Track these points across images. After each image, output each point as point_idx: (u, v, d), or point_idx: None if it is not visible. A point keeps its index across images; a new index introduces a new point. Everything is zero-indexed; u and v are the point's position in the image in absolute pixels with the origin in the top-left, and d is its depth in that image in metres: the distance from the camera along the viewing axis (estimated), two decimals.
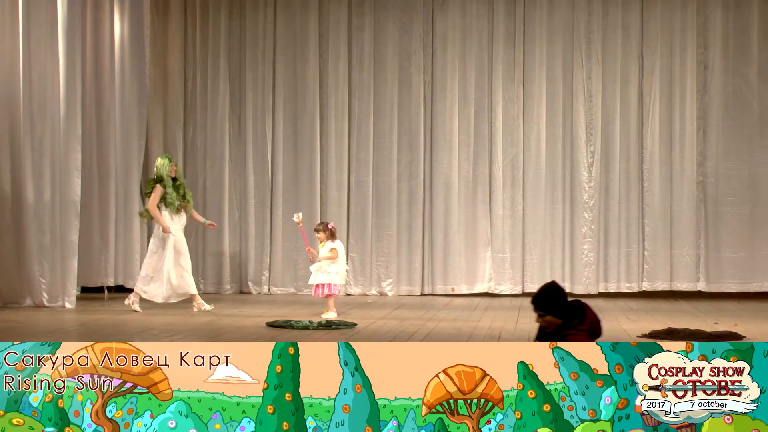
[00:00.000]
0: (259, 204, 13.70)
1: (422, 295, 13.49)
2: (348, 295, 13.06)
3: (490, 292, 13.32)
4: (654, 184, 13.37)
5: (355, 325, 9.75)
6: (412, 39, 13.47)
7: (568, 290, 13.48)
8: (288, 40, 13.53)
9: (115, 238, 12.47)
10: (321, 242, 10.57)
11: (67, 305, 11.22)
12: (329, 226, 10.64)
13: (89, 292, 12.55)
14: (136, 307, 10.84)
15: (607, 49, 13.31)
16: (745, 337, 8.85)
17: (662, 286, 13.35)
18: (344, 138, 13.60)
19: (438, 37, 13.46)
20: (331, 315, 10.30)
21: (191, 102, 13.68)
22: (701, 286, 13.34)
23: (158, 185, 10.89)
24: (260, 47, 13.56)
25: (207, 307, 10.92)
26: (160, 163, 11.01)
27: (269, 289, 13.61)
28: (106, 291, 12.58)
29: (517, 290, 13.34)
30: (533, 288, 13.10)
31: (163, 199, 10.87)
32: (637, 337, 8.95)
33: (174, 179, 10.98)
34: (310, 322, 9.72)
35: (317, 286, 10.54)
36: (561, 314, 5.55)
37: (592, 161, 13.42)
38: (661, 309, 11.89)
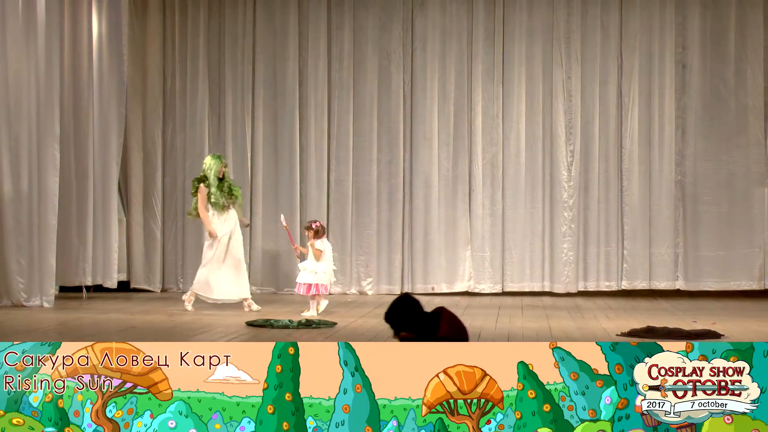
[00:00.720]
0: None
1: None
2: (328, 294, 12.90)
3: (470, 291, 13.38)
4: (633, 183, 13.42)
5: (335, 324, 9.75)
6: (392, 38, 13.47)
7: (547, 289, 13.58)
8: (267, 39, 13.50)
9: (93, 237, 12.41)
10: (311, 242, 10.58)
11: (45, 305, 11.12)
12: (313, 225, 10.68)
13: (67, 292, 12.49)
14: (254, 307, 11.02)
15: (586, 49, 13.35)
16: (723, 335, 8.92)
17: (641, 284, 13.41)
18: (324, 137, 13.57)
19: (417, 37, 13.48)
20: (311, 314, 10.29)
21: (170, 101, 13.63)
22: (680, 284, 13.39)
23: (202, 185, 10.85)
24: (239, 46, 13.53)
25: (189, 307, 10.90)
26: (209, 164, 10.95)
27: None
28: (84, 290, 12.51)
29: (497, 289, 13.40)
30: (513, 287, 13.46)
31: (208, 199, 10.80)
32: (616, 335, 8.99)
33: (221, 179, 10.90)
34: (290, 321, 9.76)
35: (304, 285, 10.59)
36: (412, 328, 5.47)
37: (571, 160, 13.47)
38: (640, 307, 11.92)
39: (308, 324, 9.63)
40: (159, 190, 13.66)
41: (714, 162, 13.33)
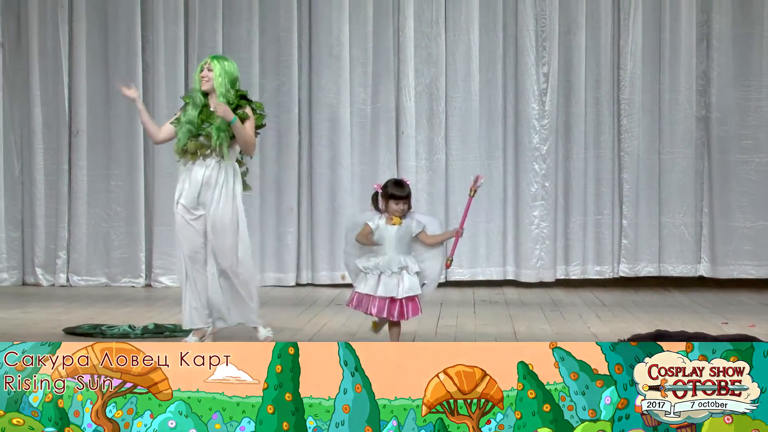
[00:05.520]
0: (50, 151, 13.58)
1: (298, 285, 13.55)
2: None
3: None
4: (635, 121, 13.51)
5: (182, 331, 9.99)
6: None
7: (511, 277, 14.18)
8: None
9: None
10: (397, 218, 8.80)
11: None
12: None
13: None
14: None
15: None
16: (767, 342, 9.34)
17: (647, 269, 13.52)
18: (178, 50, 13.46)
19: None
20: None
21: None
22: (704, 269, 13.53)
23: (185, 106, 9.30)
24: None
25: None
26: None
27: (68, 279, 13.51)
28: None
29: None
30: (462, 275, 13.45)
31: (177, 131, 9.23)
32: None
33: (206, 94, 8.99)
34: (130, 327, 9.95)
35: (402, 301, 8.77)
36: None
37: (545, 87, 13.44)
38: (646, 303, 12.10)
39: (159, 331, 9.88)
40: None
41: (754, 89, 13.45)
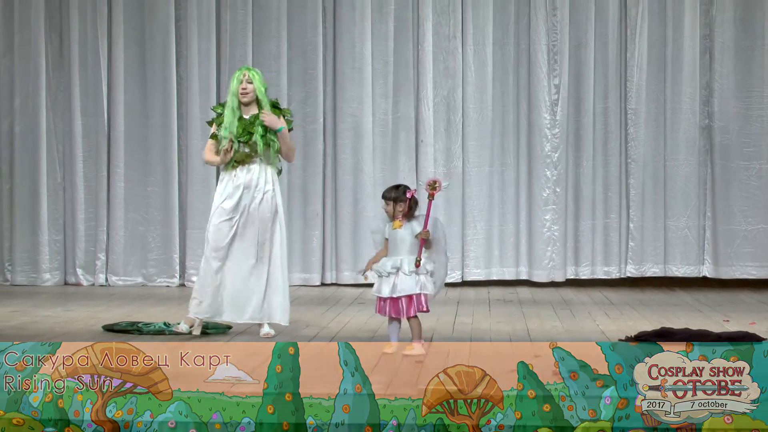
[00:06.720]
0: (90, 158, 13.96)
1: (323, 285, 13.94)
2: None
3: None
4: (642, 130, 13.86)
5: (230, 328, 10.08)
6: None
7: (524, 277, 13.92)
8: None
9: None
10: (396, 221, 8.71)
11: None
12: (409, 194, 8.83)
13: None
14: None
15: None
16: (765, 339, 9.23)
17: (653, 270, 13.85)
18: (210, 63, 13.89)
19: None
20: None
21: None
22: (707, 270, 13.87)
23: (217, 117, 9.67)
24: None
25: (184, 328, 9.75)
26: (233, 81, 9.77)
27: (107, 279, 13.92)
28: None
29: (455, 278, 14.05)
30: (477, 275, 13.75)
31: (216, 143, 9.52)
32: (620, 340, 9.18)
33: (253, 104, 9.35)
34: (165, 324, 10.12)
35: (400, 300, 8.67)
36: None
37: (556, 98, 13.83)
38: (652, 302, 12.44)
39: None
40: None
41: (755, 99, 13.79)
